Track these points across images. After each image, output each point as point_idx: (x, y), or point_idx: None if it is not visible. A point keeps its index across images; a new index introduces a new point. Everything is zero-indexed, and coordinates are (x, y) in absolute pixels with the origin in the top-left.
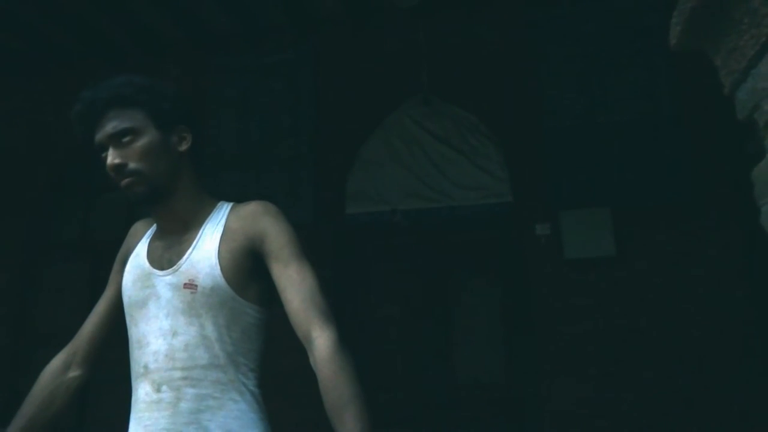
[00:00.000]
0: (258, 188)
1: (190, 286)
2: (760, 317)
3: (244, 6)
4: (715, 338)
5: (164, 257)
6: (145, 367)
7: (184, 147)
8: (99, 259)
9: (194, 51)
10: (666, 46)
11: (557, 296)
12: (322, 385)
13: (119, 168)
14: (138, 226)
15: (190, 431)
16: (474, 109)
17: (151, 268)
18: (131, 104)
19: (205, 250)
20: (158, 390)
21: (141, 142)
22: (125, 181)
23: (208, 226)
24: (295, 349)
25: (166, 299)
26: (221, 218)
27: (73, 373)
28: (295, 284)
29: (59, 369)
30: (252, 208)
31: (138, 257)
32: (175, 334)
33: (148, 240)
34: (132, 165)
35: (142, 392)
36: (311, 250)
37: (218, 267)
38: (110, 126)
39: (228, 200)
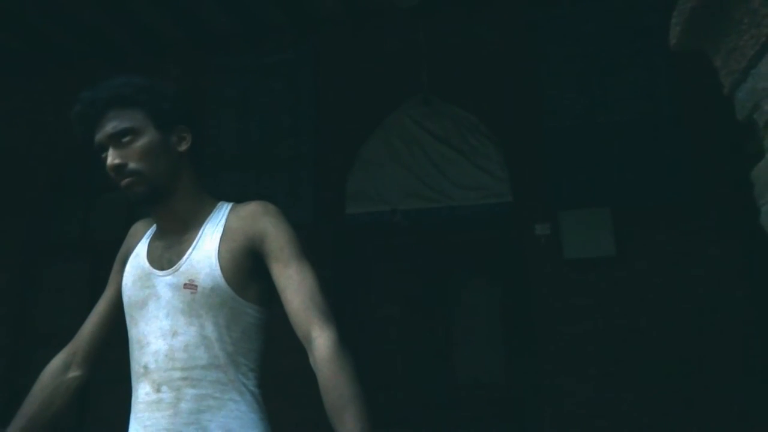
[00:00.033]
0: (258, 188)
1: (190, 286)
2: (760, 317)
3: (244, 6)
4: (715, 338)
5: (164, 257)
6: (145, 367)
7: (183, 147)
8: (99, 259)
9: (194, 51)
10: (666, 46)
11: (557, 296)
12: (322, 385)
13: (119, 168)
14: (138, 226)
15: (190, 431)
16: (474, 109)
17: (151, 268)
18: (131, 104)
19: (205, 250)
20: (158, 390)
21: (141, 142)
22: (125, 181)
23: (208, 226)
24: (295, 349)
25: (166, 299)
26: (221, 218)
27: (73, 373)
28: (295, 284)
29: (59, 369)
30: (252, 208)
31: (138, 257)
32: (175, 334)
33: (148, 240)
34: (132, 165)
35: (142, 392)
36: (311, 250)
37: (218, 267)
38: (110, 126)
39: (228, 200)
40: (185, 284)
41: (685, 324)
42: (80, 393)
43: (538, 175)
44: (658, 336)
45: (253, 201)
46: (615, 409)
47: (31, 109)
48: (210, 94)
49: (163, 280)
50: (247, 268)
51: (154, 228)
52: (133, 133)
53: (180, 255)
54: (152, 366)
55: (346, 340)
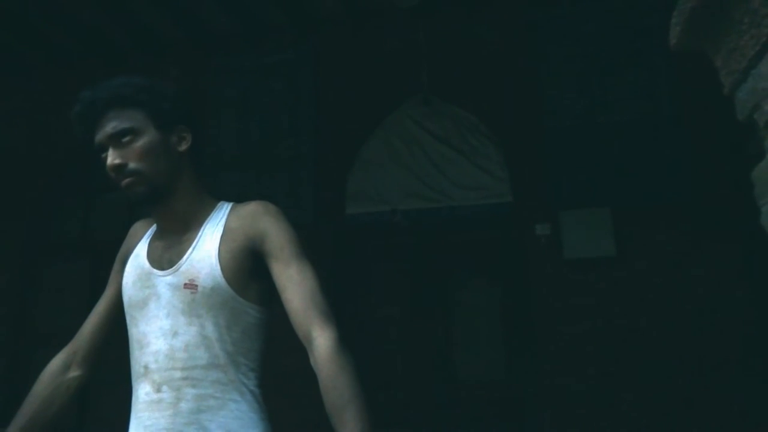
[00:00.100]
0: (258, 188)
1: (191, 286)
2: (760, 317)
3: (244, 6)
4: (715, 338)
5: (164, 257)
6: (146, 367)
7: (184, 147)
8: (99, 259)
9: (194, 51)
10: (666, 46)
11: (557, 296)
12: (323, 385)
13: (119, 168)
14: (138, 226)
15: (191, 431)
16: (474, 109)
17: (151, 268)
18: (131, 104)
19: (206, 250)
20: (158, 390)
21: (141, 142)
22: (125, 182)
23: (208, 226)
24: (296, 349)
25: (167, 299)
26: (221, 218)
27: (74, 373)
28: (295, 284)
29: (59, 369)
30: (252, 208)
31: (138, 257)
32: (175, 334)
33: (148, 240)
34: (132, 165)
35: (142, 392)
36: (311, 250)
37: (218, 267)
38: (110, 126)
39: (228, 200)
40: (185, 284)
41: (685, 324)
42: (80, 393)
43: (538, 175)
44: (658, 336)
45: (253, 201)
46: (615, 409)
47: (31, 109)
48: (210, 94)
49: (164, 280)
50: (248, 268)
51: (154, 228)
52: (133, 133)
53: (180, 255)
54: (153, 366)
55: (346, 340)
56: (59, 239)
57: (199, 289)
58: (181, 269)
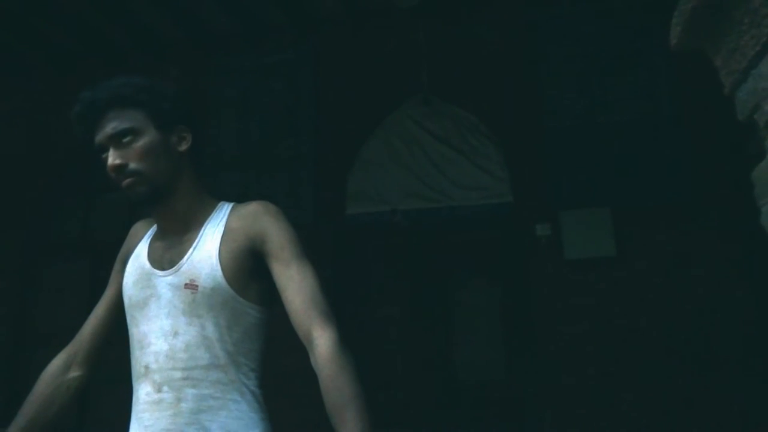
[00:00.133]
0: (258, 188)
1: (191, 286)
2: (760, 317)
3: (244, 6)
4: (715, 338)
5: (165, 257)
6: (146, 367)
7: (184, 147)
8: (99, 259)
9: (194, 51)
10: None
11: (557, 296)
12: (323, 385)
13: (120, 168)
14: (138, 226)
15: (191, 431)
16: (474, 109)
17: (151, 269)
18: (131, 104)
19: (206, 251)
20: (159, 390)
21: (141, 143)
22: (126, 182)
23: (208, 226)
24: (296, 349)
25: (167, 299)
26: (222, 218)
27: (74, 373)
28: (295, 284)
29: (60, 369)
30: (252, 208)
31: (138, 258)
32: (175, 334)
33: (149, 240)
34: (132, 165)
35: (142, 392)
36: (311, 250)
37: (219, 267)
38: (110, 126)
39: (228, 200)
40: (186, 284)
41: (685, 324)
42: (80, 393)
43: (538, 175)
44: (658, 336)
45: (253, 201)
46: (615, 409)
47: (31, 109)
48: (210, 94)
49: (164, 281)
50: (248, 268)
51: (154, 228)
52: (134, 133)
53: (181, 255)
54: (153, 366)
55: (347, 340)
56: (59, 239)
57: (200, 289)
58: (181, 269)
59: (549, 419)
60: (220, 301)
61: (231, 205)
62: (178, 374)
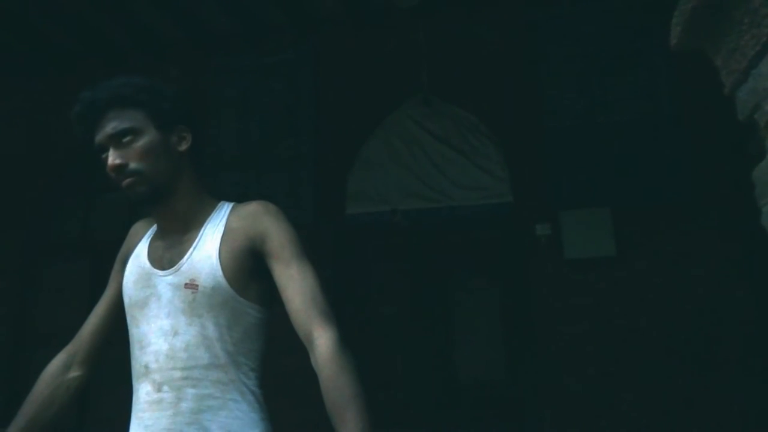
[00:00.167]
0: (258, 188)
1: (191, 286)
2: (760, 317)
3: (244, 6)
4: (715, 338)
5: (165, 257)
6: (146, 367)
7: (184, 147)
8: (99, 259)
9: (194, 51)
10: (666, 46)
11: (557, 296)
12: (323, 385)
13: (120, 168)
14: (138, 226)
15: (191, 431)
16: (474, 109)
17: (151, 268)
18: (131, 104)
19: (206, 250)
20: (159, 390)
21: (141, 143)
22: (126, 182)
23: (208, 226)
24: (296, 349)
25: (167, 299)
26: (222, 218)
27: (74, 373)
28: (296, 284)
29: (60, 369)
30: (252, 208)
31: (139, 257)
32: (175, 334)
33: (149, 240)
34: (132, 165)
35: (143, 392)
36: (311, 250)
37: (219, 267)
38: (110, 126)
39: (228, 200)
40: (186, 284)
41: (685, 324)
42: (80, 393)
43: (538, 175)
44: (658, 336)
45: (253, 201)
46: (615, 409)
47: (31, 109)
48: (210, 94)
49: (164, 280)
50: (248, 268)
51: (154, 228)
52: (134, 133)
53: (181, 255)
54: (153, 366)
55: (347, 340)
56: (59, 239)
57: (200, 289)
58: (181, 269)
59: (549, 419)
60: (220, 301)
61: (231, 205)
62: (178, 374)
